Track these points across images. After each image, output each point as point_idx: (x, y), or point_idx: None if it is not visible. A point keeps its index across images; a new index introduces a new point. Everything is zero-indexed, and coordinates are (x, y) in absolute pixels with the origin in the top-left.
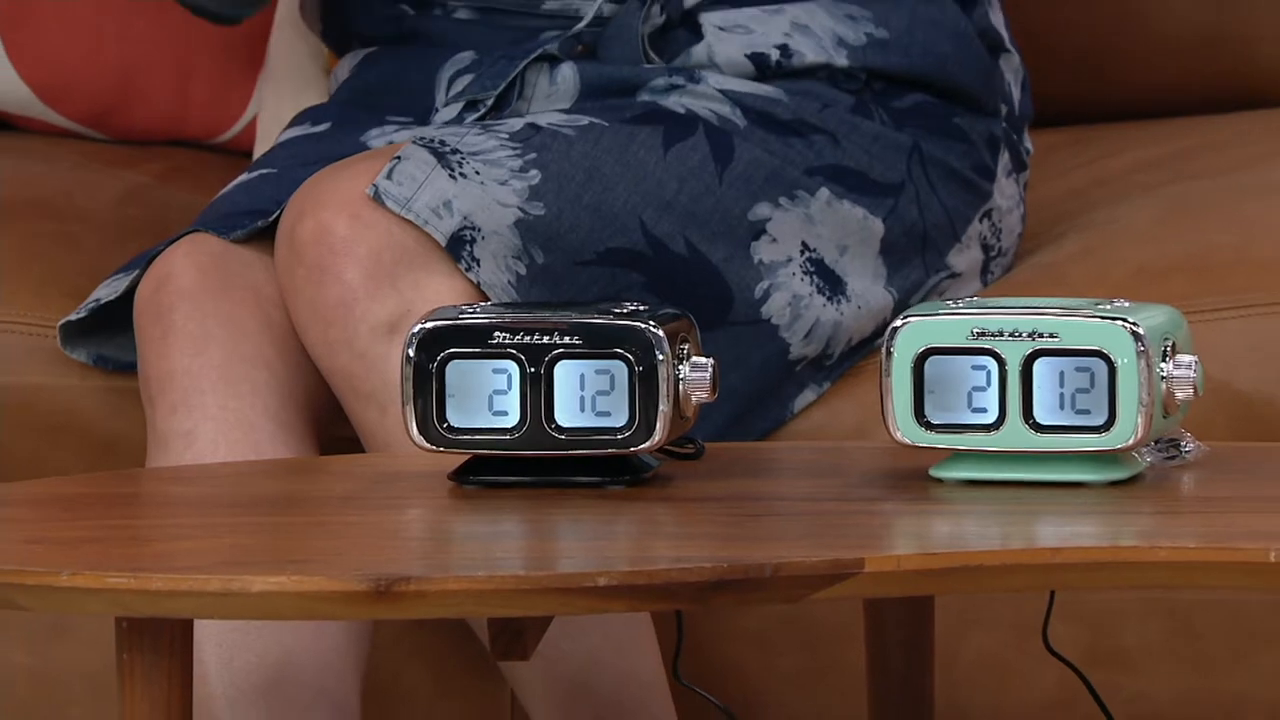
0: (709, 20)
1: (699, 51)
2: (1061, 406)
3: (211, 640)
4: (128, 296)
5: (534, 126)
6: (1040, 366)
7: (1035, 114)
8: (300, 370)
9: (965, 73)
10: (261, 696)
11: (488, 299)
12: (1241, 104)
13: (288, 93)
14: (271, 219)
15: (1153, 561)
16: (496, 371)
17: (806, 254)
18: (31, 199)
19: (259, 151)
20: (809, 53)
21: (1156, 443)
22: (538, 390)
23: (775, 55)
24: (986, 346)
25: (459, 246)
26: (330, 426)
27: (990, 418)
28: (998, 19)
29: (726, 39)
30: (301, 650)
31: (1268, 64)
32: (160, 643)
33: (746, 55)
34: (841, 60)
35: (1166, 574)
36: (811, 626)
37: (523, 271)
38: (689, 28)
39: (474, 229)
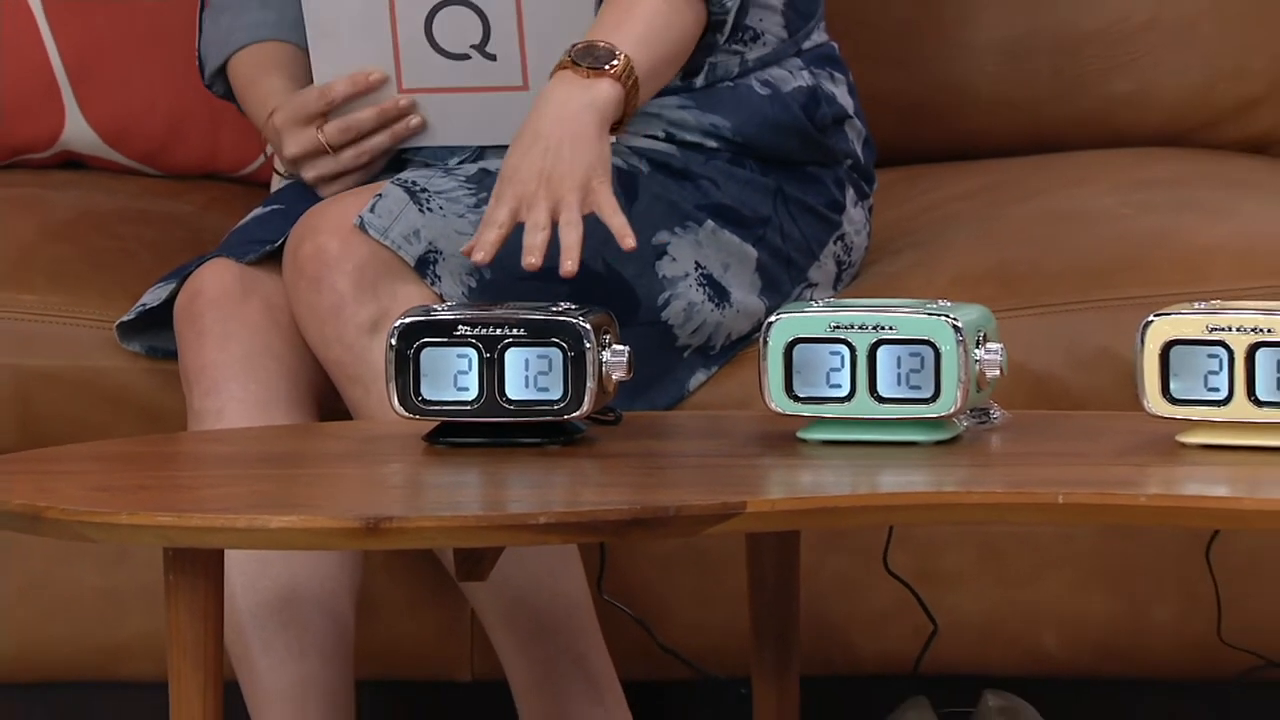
0: None
1: None
2: (899, 383)
3: (237, 566)
4: (169, 302)
5: (485, 171)
6: (882, 352)
7: (879, 156)
8: (304, 360)
9: (803, 152)
10: (276, 610)
11: None
12: (1032, 150)
13: None
14: (279, 243)
15: (968, 503)
16: (460, 356)
17: (700, 270)
18: (98, 222)
19: (276, 181)
20: (687, 136)
21: (971, 411)
22: (492, 371)
23: (661, 135)
24: (841, 337)
25: (425, 266)
26: (328, 402)
27: (844, 392)
28: (845, 100)
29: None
30: (307, 574)
31: (1049, 120)
32: (198, 567)
33: (643, 135)
34: (710, 144)
35: (979, 513)
36: (705, 554)
37: (474, 285)
38: None
39: (437, 252)
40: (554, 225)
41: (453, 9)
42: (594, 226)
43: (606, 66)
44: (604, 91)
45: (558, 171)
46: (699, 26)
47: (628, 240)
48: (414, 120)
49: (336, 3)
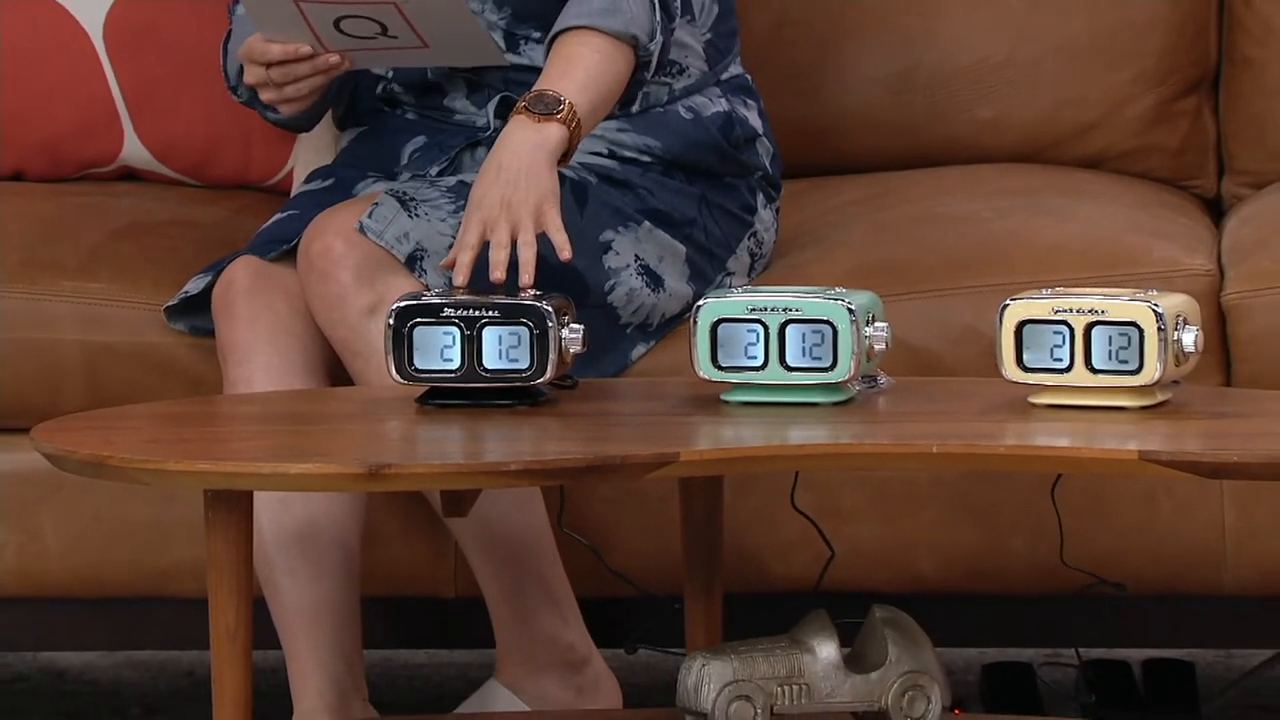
0: None
1: None
2: (803, 355)
3: (264, 504)
4: (207, 290)
5: (463, 183)
6: (791, 330)
7: (786, 169)
8: (316, 338)
9: (720, 166)
10: (296, 541)
11: None
12: (911, 165)
13: (311, 153)
14: (295, 243)
15: (860, 453)
16: (445, 333)
17: (639, 262)
18: (150, 225)
19: (293, 190)
20: (626, 153)
21: (863, 378)
22: (472, 345)
23: (605, 153)
24: (757, 317)
25: (413, 262)
26: (335, 372)
27: (759, 362)
28: (756, 122)
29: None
30: (322, 512)
31: (925, 140)
32: (232, 506)
33: (588, 153)
34: (645, 159)
35: (869, 461)
36: (646, 494)
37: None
38: None
39: (423, 251)
40: (514, 244)
41: (352, 20)
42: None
43: (554, 112)
44: (553, 133)
45: (515, 199)
46: (629, 67)
47: (565, 253)
48: (344, 64)
49: (264, 8)
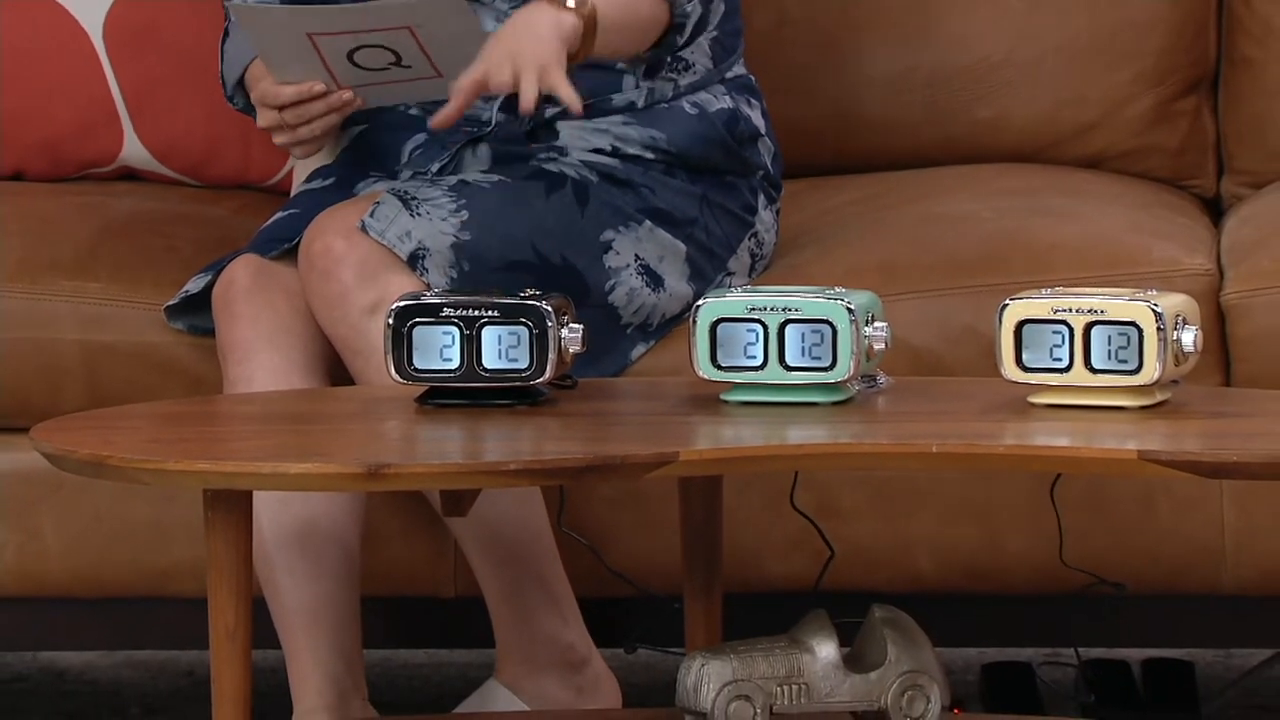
0: (562, 127)
1: (560, 142)
2: (803, 354)
3: (264, 504)
4: (208, 289)
5: (464, 182)
6: (790, 330)
7: (786, 169)
8: (317, 337)
9: (725, 162)
10: (296, 540)
11: None
12: (911, 165)
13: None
14: (295, 242)
15: (859, 452)
16: (445, 333)
17: (639, 261)
18: (150, 224)
19: (293, 189)
20: (629, 150)
21: (862, 378)
22: (471, 345)
23: (609, 149)
24: (756, 317)
25: (415, 261)
26: (335, 371)
27: (758, 362)
28: (758, 121)
29: (574, 139)
30: (322, 511)
31: (925, 140)
32: (231, 505)
33: (590, 150)
34: (649, 156)
35: (868, 460)
36: (645, 494)
37: (455, 276)
38: (549, 129)
39: (425, 250)
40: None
41: (367, 50)
42: (553, 228)
43: (575, 5)
44: (569, 20)
45: (521, 55)
46: (658, 25)
47: (576, 105)
48: (356, 101)
49: (274, 49)
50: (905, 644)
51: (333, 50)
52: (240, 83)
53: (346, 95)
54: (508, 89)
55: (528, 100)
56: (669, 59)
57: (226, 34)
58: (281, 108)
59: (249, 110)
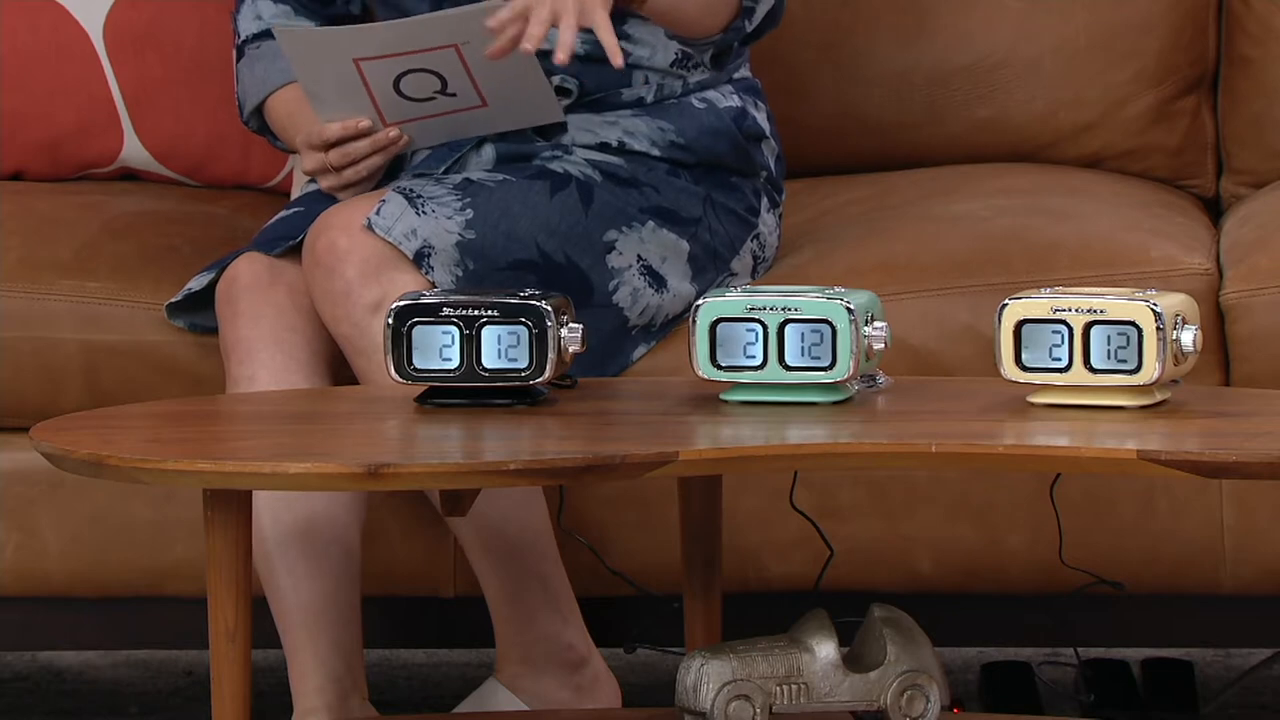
0: (571, 118)
1: (566, 139)
2: (803, 354)
3: (264, 504)
4: (210, 287)
5: (469, 181)
6: (789, 329)
7: (788, 169)
8: (320, 335)
9: (733, 159)
10: (296, 540)
11: None
12: (910, 165)
13: None
14: (300, 239)
15: (859, 452)
16: (444, 332)
17: (642, 262)
18: (150, 223)
19: (295, 190)
20: (636, 145)
21: (862, 377)
22: (471, 344)
23: (614, 144)
24: (755, 316)
25: (420, 259)
26: (339, 370)
27: (758, 361)
28: (764, 123)
29: (582, 134)
30: (322, 511)
31: (924, 140)
32: (231, 505)
33: (595, 145)
34: (655, 152)
35: (867, 460)
36: (645, 493)
37: (460, 274)
38: (559, 125)
39: (430, 248)
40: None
41: (413, 75)
42: (557, 227)
43: None
44: None
45: None
46: (728, 4)
47: (617, 58)
48: (402, 140)
49: (319, 77)
50: (905, 643)
51: (378, 78)
52: (258, 110)
53: (393, 133)
54: (545, 24)
55: (564, 46)
56: (684, 55)
57: (240, 53)
58: (327, 148)
59: (264, 132)
